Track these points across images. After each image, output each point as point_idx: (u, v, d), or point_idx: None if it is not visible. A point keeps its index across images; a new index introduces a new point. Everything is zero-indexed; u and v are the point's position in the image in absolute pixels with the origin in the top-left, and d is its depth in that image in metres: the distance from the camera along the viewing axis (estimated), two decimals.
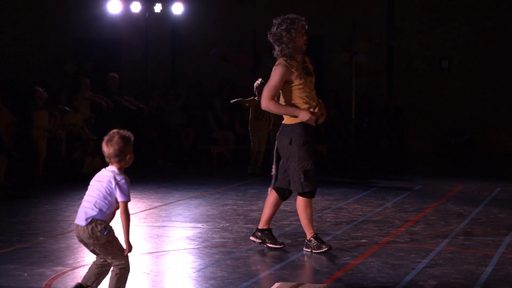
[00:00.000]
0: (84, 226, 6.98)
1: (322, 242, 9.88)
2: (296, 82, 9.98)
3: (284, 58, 10.11)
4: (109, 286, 7.10)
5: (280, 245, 10.12)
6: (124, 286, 7.14)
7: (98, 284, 7.22)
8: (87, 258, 9.68)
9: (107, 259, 7.11)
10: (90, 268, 7.27)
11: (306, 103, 9.92)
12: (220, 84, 24.26)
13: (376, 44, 23.67)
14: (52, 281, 8.43)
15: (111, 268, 7.14)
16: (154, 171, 19.34)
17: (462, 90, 24.03)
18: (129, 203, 6.90)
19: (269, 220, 10.28)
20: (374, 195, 15.22)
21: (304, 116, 9.74)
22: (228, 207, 13.73)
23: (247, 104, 18.41)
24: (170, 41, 25.64)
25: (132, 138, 7.17)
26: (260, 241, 10.17)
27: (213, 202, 14.30)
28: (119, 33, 25.16)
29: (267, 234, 10.20)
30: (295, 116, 9.82)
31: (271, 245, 10.10)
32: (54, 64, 25.35)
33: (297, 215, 12.72)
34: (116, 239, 7.07)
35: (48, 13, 25.70)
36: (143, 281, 8.62)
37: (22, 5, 26.00)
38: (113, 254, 7.06)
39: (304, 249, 9.95)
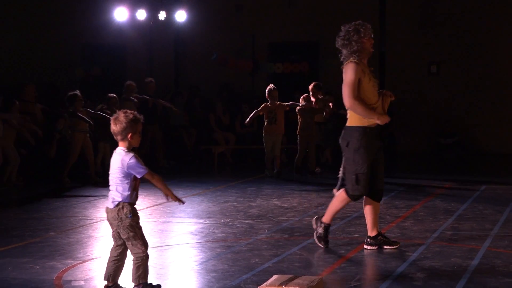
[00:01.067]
0: (112, 208, 7.31)
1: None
2: (365, 82, 9.73)
3: (354, 57, 9.88)
4: (132, 276, 7.30)
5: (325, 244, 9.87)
6: (146, 272, 7.33)
7: (119, 276, 7.42)
8: (95, 252, 9.72)
9: (127, 245, 7.28)
10: (107, 266, 7.39)
11: (370, 105, 9.63)
12: (220, 88, 24.29)
13: None
14: (63, 274, 8.45)
15: (132, 258, 7.31)
16: (158, 170, 19.35)
17: (450, 93, 24.06)
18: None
19: (333, 216, 10.04)
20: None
21: (383, 120, 9.56)
22: (229, 203, 13.75)
23: (261, 113, 17.87)
24: (174, 47, 25.66)
25: (139, 120, 7.33)
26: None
27: (214, 199, 14.32)
28: (125, 39, 25.17)
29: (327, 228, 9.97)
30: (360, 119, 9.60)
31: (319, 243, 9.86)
32: (62, 68, 25.36)
33: (295, 211, 12.77)
34: (139, 228, 7.30)
35: (57, 19, 25.72)
36: (149, 274, 8.64)
37: (33, 10, 26.01)
38: (133, 240, 7.25)
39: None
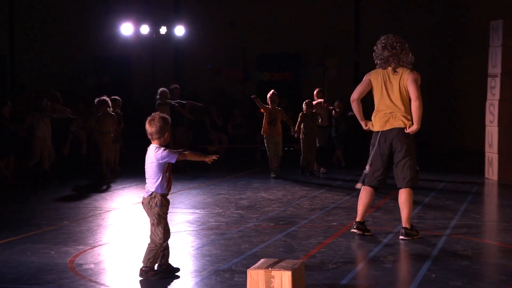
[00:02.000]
0: (146, 197, 7.50)
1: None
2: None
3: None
4: (143, 257, 7.50)
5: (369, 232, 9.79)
6: (155, 259, 7.50)
7: (156, 262, 7.56)
8: (104, 239, 9.70)
9: (150, 229, 7.49)
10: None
11: None
12: (214, 94, 24.30)
13: (344, 60, 23.72)
14: (75, 258, 8.44)
15: (149, 242, 7.51)
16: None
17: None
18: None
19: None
20: (343, 187, 15.24)
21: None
22: (222, 196, 13.73)
23: (262, 110, 16.74)
24: (173, 58, 25.63)
25: (169, 122, 7.55)
26: (361, 232, 9.72)
27: (209, 192, 14.30)
28: (131, 51, 25.14)
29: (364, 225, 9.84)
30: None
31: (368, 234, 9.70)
32: (76, 77, 25.36)
33: (280, 203, 12.77)
34: (165, 218, 7.51)
35: (72, 34, 25.69)
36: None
37: (53, 27, 25.99)
38: (156, 227, 7.46)
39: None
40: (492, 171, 16.37)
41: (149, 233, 7.52)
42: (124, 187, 14.99)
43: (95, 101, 16.79)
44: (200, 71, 24.52)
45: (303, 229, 10.37)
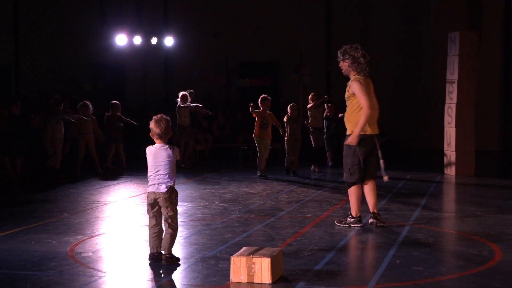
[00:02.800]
0: (164, 192, 7.52)
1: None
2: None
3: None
4: (164, 243, 7.53)
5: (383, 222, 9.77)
6: (173, 244, 7.59)
7: (160, 244, 7.60)
8: (101, 229, 9.67)
9: (167, 221, 7.54)
10: (150, 239, 7.64)
11: None
12: (201, 98, 24.27)
13: (317, 67, 23.78)
14: (75, 247, 8.41)
15: (166, 231, 7.56)
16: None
17: (384, 102, 24.07)
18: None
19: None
20: (318, 181, 15.28)
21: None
22: (207, 190, 13.71)
23: (254, 115, 15.88)
24: (164, 66, 25.57)
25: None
26: (376, 221, 9.73)
27: (195, 187, 14.28)
28: (124, 59, 25.09)
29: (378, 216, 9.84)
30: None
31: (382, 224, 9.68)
32: (74, 82, 25.27)
33: (259, 196, 12.76)
34: (177, 204, 7.66)
35: (70, 43, 25.61)
36: (143, 246, 8.61)
37: (52, 36, 25.88)
38: (173, 218, 7.58)
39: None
40: (450, 167, 16.47)
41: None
42: (119, 183, 14.94)
43: (78, 105, 16.77)
44: (188, 77, 24.49)
45: (281, 220, 10.38)
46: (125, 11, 25.57)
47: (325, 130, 18.01)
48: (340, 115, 16.89)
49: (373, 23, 24.35)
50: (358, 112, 9.56)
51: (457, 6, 23.53)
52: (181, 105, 17.99)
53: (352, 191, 9.76)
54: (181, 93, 18.23)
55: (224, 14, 25.12)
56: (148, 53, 24.67)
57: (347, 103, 9.75)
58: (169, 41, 23.98)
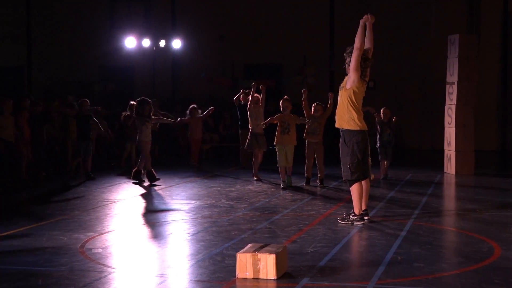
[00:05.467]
0: None
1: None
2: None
3: None
4: None
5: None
6: None
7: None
8: (111, 227, 9.67)
9: None
10: None
11: None
12: (207, 99, 24.27)
13: (321, 69, 23.76)
14: (85, 243, 8.41)
15: None
16: (159, 162, 19.28)
17: (383, 103, 24.06)
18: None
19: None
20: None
21: None
22: (214, 188, 13.71)
23: (275, 122, 13.99)
24: (171, 68, 25.59)
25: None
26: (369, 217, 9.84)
27: (203, 185, 14.28)
28: (133, 61, 25.09)
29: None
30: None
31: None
32: (84, 84, 25.29)
33: (265, 194, 12.77)
34: None
35: (81, 46, 25.60)
36: (152, 243, 8.62)
37: (63, 39, 25.89)
38: None
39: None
40: (450, 167, 16.44)
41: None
42: (128, 181, 14.91)
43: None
44: (195, 79, 24.50)
45: (286, 218, 10.37)
46: (134, 15, 25.60)
47: (377, 137, 15.40)
48: (394, 118, 15.31)
49: (375, 26, 24.25)
50: (348, 107, 9.66)
51: (456, 9, 23.51)
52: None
53: (355, 189, 9.71)
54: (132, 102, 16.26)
55: (230, 18, 25.10)
56: (156, 55, 24.67)
57: (338, 97, 9.84)
58: (177, 43, 23.99)
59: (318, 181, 14.06)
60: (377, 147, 15.31)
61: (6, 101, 14.17)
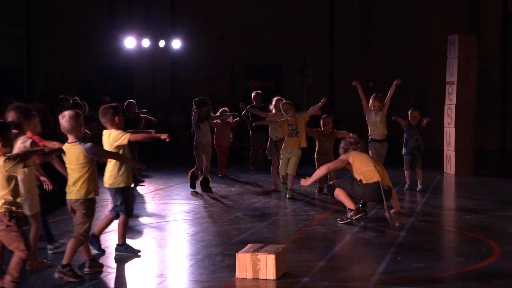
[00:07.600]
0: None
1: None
2: None
3: None
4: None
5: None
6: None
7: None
8: (110, 227, 9.64)
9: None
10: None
11: None
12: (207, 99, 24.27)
13: (320, 70, 23.74)
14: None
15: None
16: (159, 162, 19.26)
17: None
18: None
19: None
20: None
21: None
22: (214, 188, 13.66)
23: (280, 126, 12.80)
24: (171, 68, 25.58)
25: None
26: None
27: None
28: (133, 61, 25.08)
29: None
30: None
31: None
32: (85, 84, 25.29)
33: (264, 195, 12.75)
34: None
35: (81, 46, 25.60)
36: (151, 243, 8.61)
37: (63, 39, 25.90)
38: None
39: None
40: (450, 167, 16.43)
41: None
42: None
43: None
44: (194, 79, 24.49)
45: (285, 218, 10.37)
46: (133, 15, 25.60)
47: (404, 144, 14.27)
48: (425, 120, 13.83)
49: (375, 27, 24.30)
50: None
51: (456, 10, 23.50)
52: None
53: (338, 193, 10.02)
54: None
55: (230, 18, 25.10)
56: (156, 56, 24.66)
57: None
58: (176, 44, 23.98)
59: (317, 191, 12.90)
60: (403, 153, 14.10)
61: (66, 101, 13.81)
